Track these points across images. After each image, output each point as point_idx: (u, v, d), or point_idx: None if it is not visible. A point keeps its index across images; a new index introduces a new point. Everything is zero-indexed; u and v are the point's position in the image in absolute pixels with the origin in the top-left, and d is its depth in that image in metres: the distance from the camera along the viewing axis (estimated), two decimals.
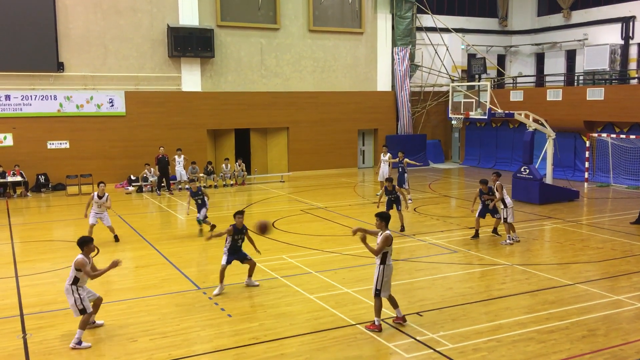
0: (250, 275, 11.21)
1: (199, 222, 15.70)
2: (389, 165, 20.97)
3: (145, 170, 23.44)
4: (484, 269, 12.12)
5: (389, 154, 21.25)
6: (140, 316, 9.65)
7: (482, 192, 14.60)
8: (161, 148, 23.12)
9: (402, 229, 15.48)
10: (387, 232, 8.86)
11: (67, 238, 15.76)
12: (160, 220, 18.23)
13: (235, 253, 10.98)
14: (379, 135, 30.17)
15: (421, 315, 9.48)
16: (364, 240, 8.70)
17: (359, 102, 29.33)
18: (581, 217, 17.52)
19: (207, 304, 10.22)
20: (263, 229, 10.66)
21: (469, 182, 25.43)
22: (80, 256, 8.76)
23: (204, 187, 23.92)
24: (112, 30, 24.17)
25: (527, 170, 19.48)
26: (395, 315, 9.19)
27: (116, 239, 14.83)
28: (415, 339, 8.54)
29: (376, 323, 8.92)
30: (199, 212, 15.66)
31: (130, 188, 23.79)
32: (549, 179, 20.40)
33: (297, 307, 9.98)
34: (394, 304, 9.12)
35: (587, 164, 23.69)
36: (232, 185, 24.59)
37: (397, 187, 15.69)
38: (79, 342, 8.56)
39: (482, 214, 14.67)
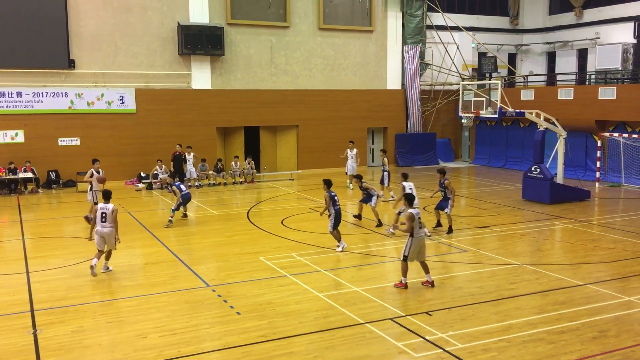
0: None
1: (172, 210, 16.74)
2: (356, 160, 22.69)
3: (157, 167, 23.52)
4: (493, 268, 12.07)
5: (355, 150, 23.01)
6: (149, 313, 9.68)
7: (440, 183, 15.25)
8: (178, 146, 23.22)
9: (379, 223, 16.06)
10: (409, 210, 10.70)
11: (77, 234, 15.83)
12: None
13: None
14: (388, 134, 30.12)
15: (430, 315, 9.44)
16: (396, 227, 11.36)
17: (368, 100, 29.28)
18: (592, 217, 17.40)
19: (216, 301, 10.24)
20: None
21: (479, 181, 25.32)
22: (113, 206, 11.68)
23: (214, 184, 24.05)
24: (123, 28, 24.26)
25: (538, 170, 19.37)
26: (426, 280, 10.85)
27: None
28: (425, 339, 8.51)
29: (403, 282, 10.64)
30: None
31: (140, 185, 23.87)
32: (559, 179, 20.26)
33: (305, 305, 9.98)
34: (425, 269, 10.85)
35: (598, 164, 23.50)
36: (241, 183, 24.63)
37: (364, 183, 16.34)
38: (108, 267, 11.96)
39: (440, 206, 15.40)
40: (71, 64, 23.57)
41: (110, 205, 11.66)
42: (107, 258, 11.89)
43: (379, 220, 16.16)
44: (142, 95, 24.69)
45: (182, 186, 17.27)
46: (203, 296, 10.52)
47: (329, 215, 13.30)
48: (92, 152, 23.93)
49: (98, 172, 16.44)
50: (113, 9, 24.04)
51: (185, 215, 17.45)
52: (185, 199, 16.97)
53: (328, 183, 13.52)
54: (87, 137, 24.01)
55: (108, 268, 11.94)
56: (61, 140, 23.75)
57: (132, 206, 19.62)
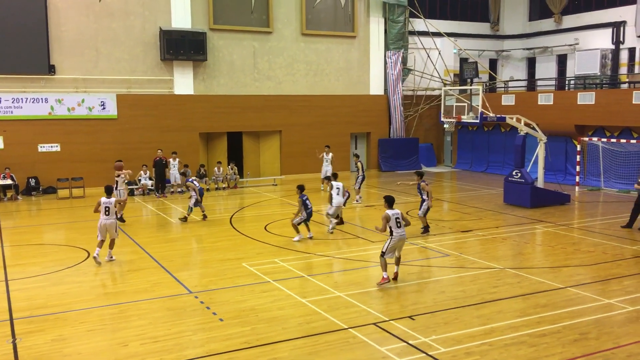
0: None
1: (189, 208, 17.69)
2: (331, 163, 23.30)
3: (141, 172, 23.26)
4: (476, 272, 12.14)
5: (331, 154, 23.78)
6: (131, 320, 9.59)
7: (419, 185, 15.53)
8: (159, 151, 23.10)
9: (340, 221, 16.46)
10: (386, 211, 11.13)
11: (57, 242, 15.67)
12: (151, 224, 18.13)
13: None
14: (371, 139, 30.21)
15: (414, 319, 9.47)
16: (377, 229, 11.48)
17: (351, 105, 29.36)
18: (572, 220, 17.59)
19: (198, 308, 10.17)
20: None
21: (461, 185, 25.50)
22: (113, 199, 13.21)
23: None
24: (104, 33, 24.08)
25: (519, 174, 19.56)
26: (395, 271, 11.43)
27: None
28: (408, 343, 8.53)
29: (385, 276, 11.05)
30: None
31: None
32: (540, 183, 20.47)
33: (289, 311, 9.95)
34: (397, 263, 11.48)
35: (578, 168, 23.81)
36: (224, 188, 24.52)
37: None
38: (111, 257, 13.27)
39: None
40: (51, 70, 23.34)
41: (112, 199, 13.22)
42: (111, 247, 13.30)
43: (340, 218, 16.59)
44: (124, 101, 24.51)
45: (195, 182, 17.91)
46: (185, 303, 10.44)
47: (299, 216, 14.60)
48: (72, 159, 23.77)
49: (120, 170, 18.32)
50: (94, 13, 23.85)
51: (205, 217, 17.93)
52: (201, 194, 17.89)
53: (301, 188, 14.83)
54: (68, 143, 23.76)
55: (112, 257, 13.23)
56: (41, 147, 23.47)
57: None
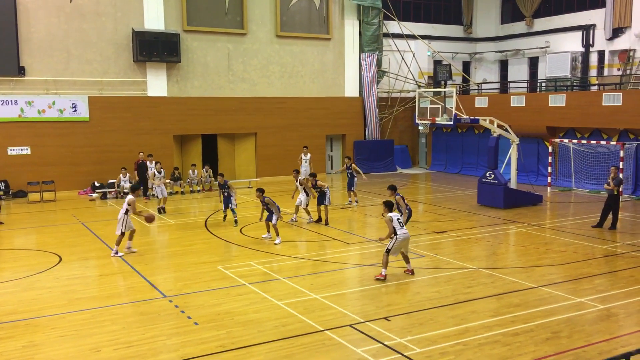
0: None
1: (232, 211, 17.47)
2: (310, 164, 23.79)
3: (120, 175, 22.83)
4: (450, 273, 12.24)
5: (309, 155, 24.36)
6: (104, 326, 9.44)
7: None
8: (140, 153, 22.82)
9: (326, 223, 17.10)
10: (388, 214, 11.75)
11: (28, 246, 15.37)
12: None
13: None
14: (347, 141, 30.29)
15: (389, 320, 9.51)
16: (382, 239, 11.95)
17: (326, 107, 29.41)
18: (544, 220, 17.86)
19: (173, 312, 10.06)
20: (149, 219, 14.24)
21: (436, 187, 25.70)
22: (131, 196, 13.83)
23: (170, 193, 23.66)
24: (75, 34, 23.73)
25: (492, 175, 19.79)
26: (406, 268, 12.06)
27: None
28: (384, 344, 8.56)
29: (383, 273, 11.61)
30: (229, 202, 17.42)
31: (94, 195, 23.31)
32: (513, 184, 20.75)
33: (264, 314, 9.91)
34: (406, 260, 12.03)
35: (549, 169, 24.19)
36: (199, 191, 24.33)
37: (319, 182, 17.57)
38: (116, 252, 13.69)
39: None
40: (21, 71, 22.90)
41: (127, 197, 13.98)
42: (129, 238, 14.13)
43: (326, 219, 17.17)
44: (96, 103, 24.17)
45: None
46: (159, 307, 10.32)
47: (278, 213, 15.05)
48: (43, 162, 23.37)
49: (160, 172, 20.16)
50: (65, 14, 23.49)
51: (236, 219, 17.67)
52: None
53: (262, 190, 15.28)
54: (38, 146, 23.34)
55: (129, 249, 14.06)
56: (11, 150, 23.02)
57: (85, 216, 19.15)
